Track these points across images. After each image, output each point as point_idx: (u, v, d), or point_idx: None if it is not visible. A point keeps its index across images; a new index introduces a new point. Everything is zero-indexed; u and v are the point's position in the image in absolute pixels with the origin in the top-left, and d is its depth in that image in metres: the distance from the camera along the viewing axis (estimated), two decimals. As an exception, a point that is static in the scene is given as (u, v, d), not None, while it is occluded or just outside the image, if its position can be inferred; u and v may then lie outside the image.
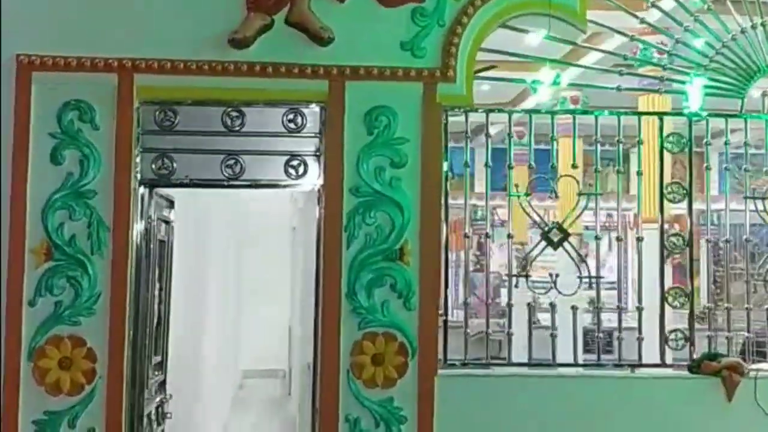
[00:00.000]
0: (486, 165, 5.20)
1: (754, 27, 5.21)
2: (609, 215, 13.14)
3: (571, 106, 13.81)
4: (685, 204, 5.19)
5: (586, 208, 5.17)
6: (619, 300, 5.91)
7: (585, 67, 5.26)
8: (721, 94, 5.31)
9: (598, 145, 5.15)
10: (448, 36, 4.88)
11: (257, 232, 15.24)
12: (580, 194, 5.20)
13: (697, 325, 5.25)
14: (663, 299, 5.13)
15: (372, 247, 4.77)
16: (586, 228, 7.56)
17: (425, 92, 4.87)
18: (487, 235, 5.27)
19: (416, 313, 4.78)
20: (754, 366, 5.09)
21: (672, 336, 5.12)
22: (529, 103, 15.48)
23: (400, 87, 4.85)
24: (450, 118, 5.07)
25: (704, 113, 5.05)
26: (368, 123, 4.81)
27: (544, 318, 14.94)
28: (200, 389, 8.15)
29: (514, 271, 5.51)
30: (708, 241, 5.11)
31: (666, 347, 5.14)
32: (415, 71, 4.85)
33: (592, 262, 5.41)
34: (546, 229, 5.13)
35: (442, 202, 4.98)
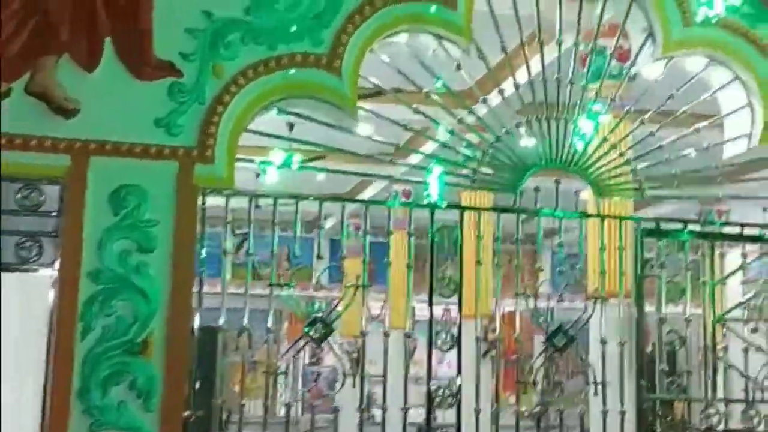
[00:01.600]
0: (245, 250, 4.91)
1: (528, 122, 5.17)
2: (447, 309, 13.80)
3: (403, 200, 13.61)
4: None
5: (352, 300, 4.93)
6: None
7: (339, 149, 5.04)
8: (497, 189, 5.24)
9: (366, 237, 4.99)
10: (207, 114, 4.62)
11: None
12: (347, 287, 4.97)
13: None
14: (429, 399, 4.92)
15: (111, 339, 4.37)
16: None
17: (180, 172, 4.58)
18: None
19: (157, 414, 4.38)
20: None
21: (435, 438, 4.88)
22: (366, 195, 15.48)
23: (152, 166, 4.54)
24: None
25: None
26: (114, 203, 4.46)
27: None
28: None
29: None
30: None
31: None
32: (169, 149, 4.56)
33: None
34: (308, 322, 4.84)
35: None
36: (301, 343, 4.94)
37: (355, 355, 16.21)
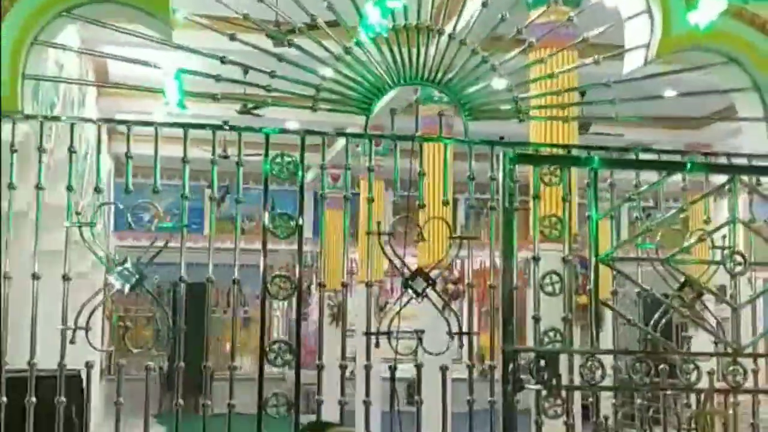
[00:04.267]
0: (38, 187, 4.33)
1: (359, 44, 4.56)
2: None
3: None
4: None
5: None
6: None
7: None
8: (347, 111, 4.67)
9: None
10: (-18, 24, 4.05)
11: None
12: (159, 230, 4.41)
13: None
14: (262, 355, 4.39)
15: None
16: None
17: (-48, 93, 4.01)
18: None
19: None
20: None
21: (272, 401, 4.36)
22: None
23: None
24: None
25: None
26: None
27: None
28: None
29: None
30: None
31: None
32: (-64, 66, 3.99)
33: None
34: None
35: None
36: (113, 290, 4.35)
37: (335, 309, 15.83)
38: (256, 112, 14.70)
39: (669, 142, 16.09)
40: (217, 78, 4.44)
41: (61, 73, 8.20)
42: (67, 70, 8.65)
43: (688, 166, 4.65)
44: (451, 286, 11.33)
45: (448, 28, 4.59)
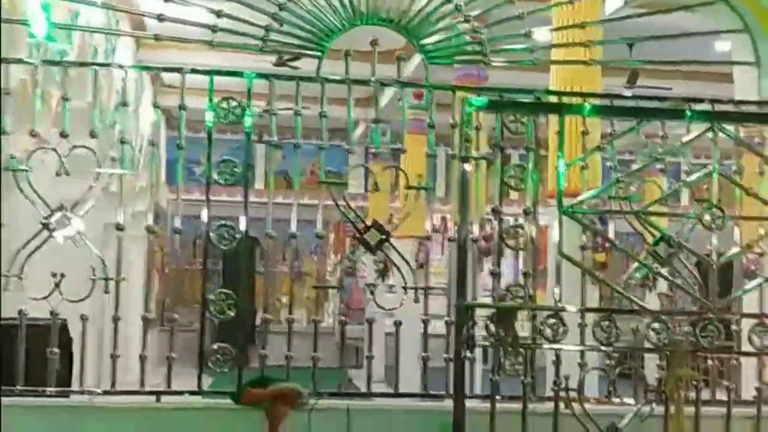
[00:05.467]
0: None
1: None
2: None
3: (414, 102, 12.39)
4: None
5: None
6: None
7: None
8: (302, 54, 4.48)
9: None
10: None
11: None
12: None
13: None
14: (204, 306, 4.26)
15: None
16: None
17: None
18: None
19: None
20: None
21: (214, 356, 4.24)
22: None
23: None
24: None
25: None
26: None
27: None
28: None
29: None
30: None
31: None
32: None
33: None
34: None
35: None
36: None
37: (381, 265, 15.98)
38: (292, 64, 14.59)
39: (716, 95, 15.56)
40: (160, 18, 4.29)
41: (76, 21, 8.05)
42: (86, 19, 8.44)
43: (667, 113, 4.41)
44: (482, 243, 11.26)
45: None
